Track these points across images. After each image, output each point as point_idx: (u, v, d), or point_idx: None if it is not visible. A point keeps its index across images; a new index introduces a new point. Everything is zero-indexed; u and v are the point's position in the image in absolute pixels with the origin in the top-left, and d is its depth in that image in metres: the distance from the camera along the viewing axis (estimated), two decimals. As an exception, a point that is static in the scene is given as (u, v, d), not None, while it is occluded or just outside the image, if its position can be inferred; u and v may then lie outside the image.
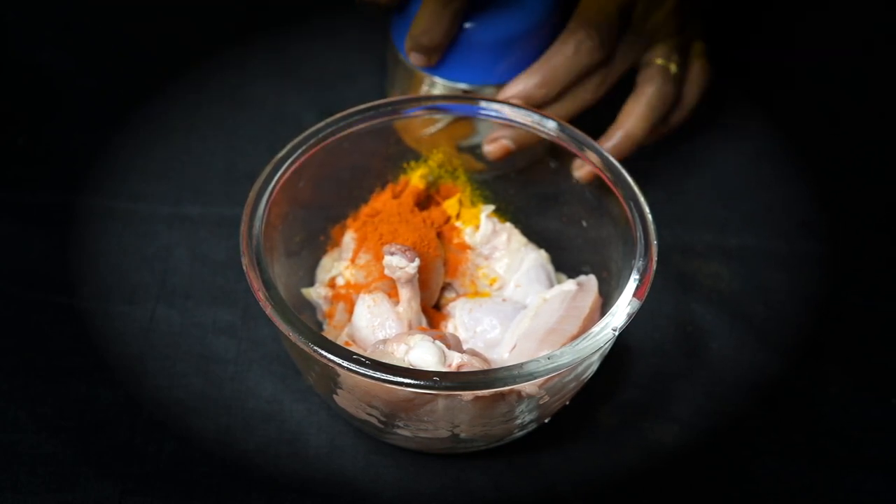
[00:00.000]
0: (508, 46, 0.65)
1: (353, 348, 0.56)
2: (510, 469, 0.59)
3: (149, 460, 0.59)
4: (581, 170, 0.62)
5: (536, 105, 0.64)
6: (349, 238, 0.61)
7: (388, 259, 0.56)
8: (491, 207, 0.63)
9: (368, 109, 0.61)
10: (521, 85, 0.64)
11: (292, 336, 0.51)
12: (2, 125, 0.77)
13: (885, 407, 0.63)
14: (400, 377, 0.49)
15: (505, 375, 0.50)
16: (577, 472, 0.59)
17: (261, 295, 0.52)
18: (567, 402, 0.58)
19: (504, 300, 0.60)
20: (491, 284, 0.62)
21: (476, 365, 0.53)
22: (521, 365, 0.50)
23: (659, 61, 0.68)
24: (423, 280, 0.58)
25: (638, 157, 0.74)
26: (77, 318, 0.65)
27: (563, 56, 0.64)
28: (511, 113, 0.61)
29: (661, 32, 0.68)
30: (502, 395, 0.52)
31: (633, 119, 0.67)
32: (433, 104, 0.62)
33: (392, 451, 0.60)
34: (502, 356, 0.57)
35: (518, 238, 0.63)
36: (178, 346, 0.64)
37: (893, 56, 0.85)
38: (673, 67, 0.68)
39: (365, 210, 0.62)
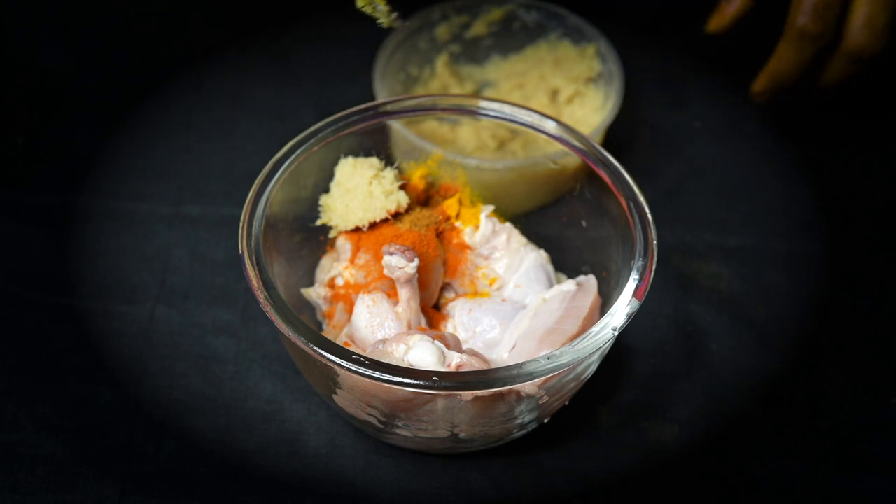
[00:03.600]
0: None
1: (352, 348, 0.56)
2: (510, 469, 0.59)
3: (148, 460, 0.59)
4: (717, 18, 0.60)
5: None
6: (342, 240, 0.61)
7: (387, 259, 0.56)
8: (491, 207, 0.63)
9: (368, 109, 0.61)
10: (760, 85, 0.64)
11: (292, 336, 0.51)
12: (2, 125, 0.77)
13: (884, 407, 0.63)
14: (399, 377, 0.49)
15: (504, 375, 0.50)
16: (577, 471, 0.59)
17: (260, 295, 0.52)
18: (566, 402, 0.58)
19: (503, 300, 0.60)
20: (490, 284, 0.62)
21: (475, 365, 0.53)
22: (520, 365, 0.50)
23: None
24: (422, 280, 0.58)
25: (637, 157, 0.75)
26: (77, 318, 0.66)
27: (788, 49, 0.63)
28: (511, 112, 0.61)
29: None
30: (502, 395, 0.52)
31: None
32: (432, 104, 0.62)
33: (391, 451, 0.60)
34: (502, 356, 0.57)
35: (518, 238, 0.63)
36: (177, 346, 0.64)
37: (893, 56, 0.85)
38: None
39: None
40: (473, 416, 0.53)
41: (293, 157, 0.59)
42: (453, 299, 0.61)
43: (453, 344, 0.55)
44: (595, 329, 0.52)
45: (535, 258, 0.62)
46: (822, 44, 0.63)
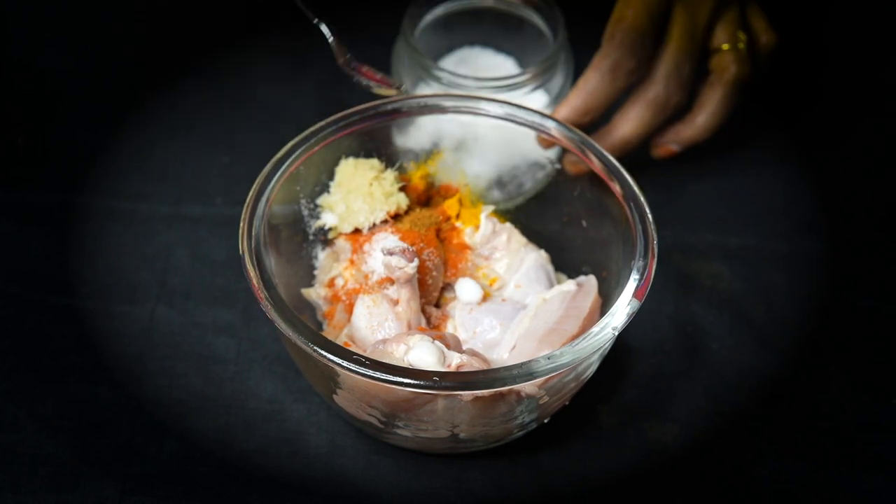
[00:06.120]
0: None
1: (352, 348, 0.56)
2: (510, 469, 0.59)
3: (149, 460, 0.59)
4: (574, 165, 0.61)
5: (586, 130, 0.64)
6: (342, 240, 0.61)
7: (387, 259, 0.56)
8: (491, 207, 0.63)
9: (368, 109, 0.61)
10: (564, 114, 0.64)
11: (292, 336, 0.51)
12: (2, 125, 0.77)
13: (885, 407, 0.63)
14: (399, 377, 0.49)
15: (505, 375, 0.50)
16: (577, 471, 0.59)
17: (261, 295, 0.53)
18: (567, 402, 0.58)
19: (504, 300, 0.60)
20: (491, 285, 0.62)
21: (475, 365, 0.53)
22: (520, 365, 0.50)
23: (725, 46, 0.68)
24: (422, 280, 0.58)
25: (639, 158, 0.74)
26: (77, 318, 0.66)
27: (600, 80, 0.65)
28: (512, 112, 0.61)
29: (714, 20, 0.67)
30: (502, 396, 0.52)
31: (707, 111, 0.68)
32: (434, 104, 0.62)
33: (392, 451, 0.60)
34: (502, 356, 0.57)
35: (518, 238, 0.63)
36: (178, 346, 0.64)
37: (893, 56, 0.85)
38: (741, 45, 0.68)
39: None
40: (474, 416, 0.53)
41: (293, 157, 0.59)
42: (453, 299, 0.61)
43: (453, 344, 0.55)
44: (595, 329, 0.52)
45: (535, 258, 0.62)
46: (634, 78, 0.65)
